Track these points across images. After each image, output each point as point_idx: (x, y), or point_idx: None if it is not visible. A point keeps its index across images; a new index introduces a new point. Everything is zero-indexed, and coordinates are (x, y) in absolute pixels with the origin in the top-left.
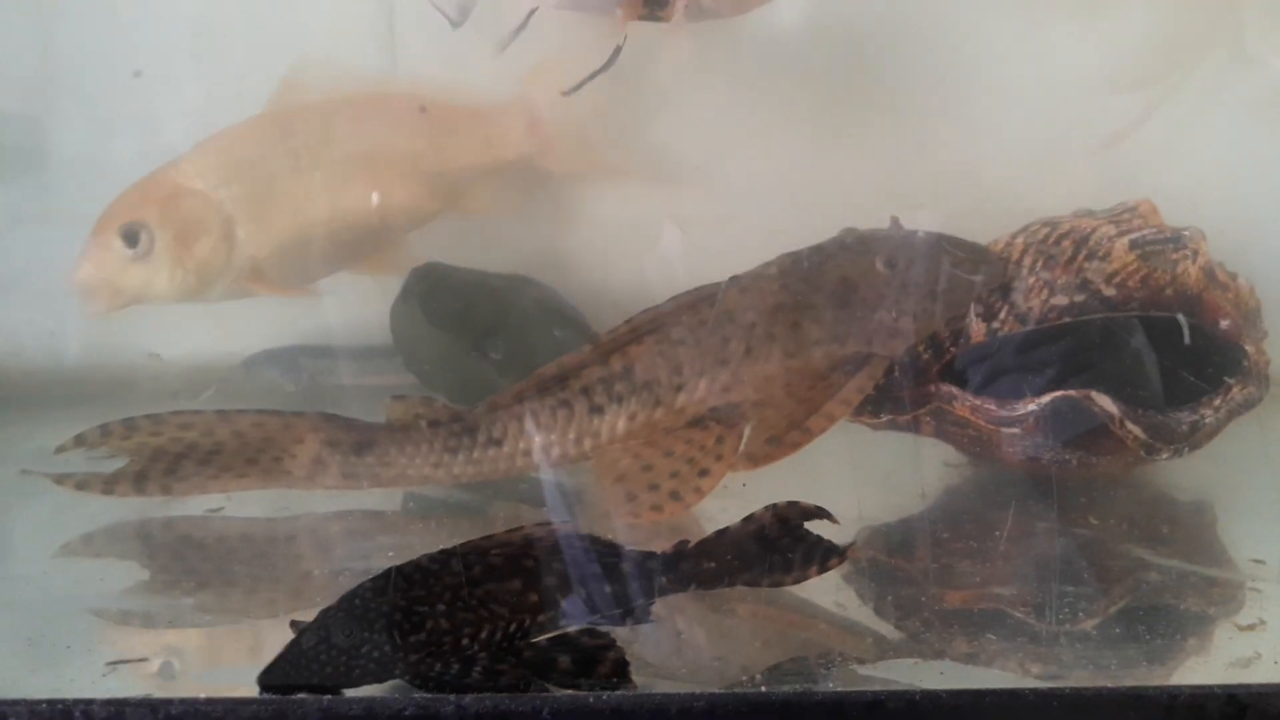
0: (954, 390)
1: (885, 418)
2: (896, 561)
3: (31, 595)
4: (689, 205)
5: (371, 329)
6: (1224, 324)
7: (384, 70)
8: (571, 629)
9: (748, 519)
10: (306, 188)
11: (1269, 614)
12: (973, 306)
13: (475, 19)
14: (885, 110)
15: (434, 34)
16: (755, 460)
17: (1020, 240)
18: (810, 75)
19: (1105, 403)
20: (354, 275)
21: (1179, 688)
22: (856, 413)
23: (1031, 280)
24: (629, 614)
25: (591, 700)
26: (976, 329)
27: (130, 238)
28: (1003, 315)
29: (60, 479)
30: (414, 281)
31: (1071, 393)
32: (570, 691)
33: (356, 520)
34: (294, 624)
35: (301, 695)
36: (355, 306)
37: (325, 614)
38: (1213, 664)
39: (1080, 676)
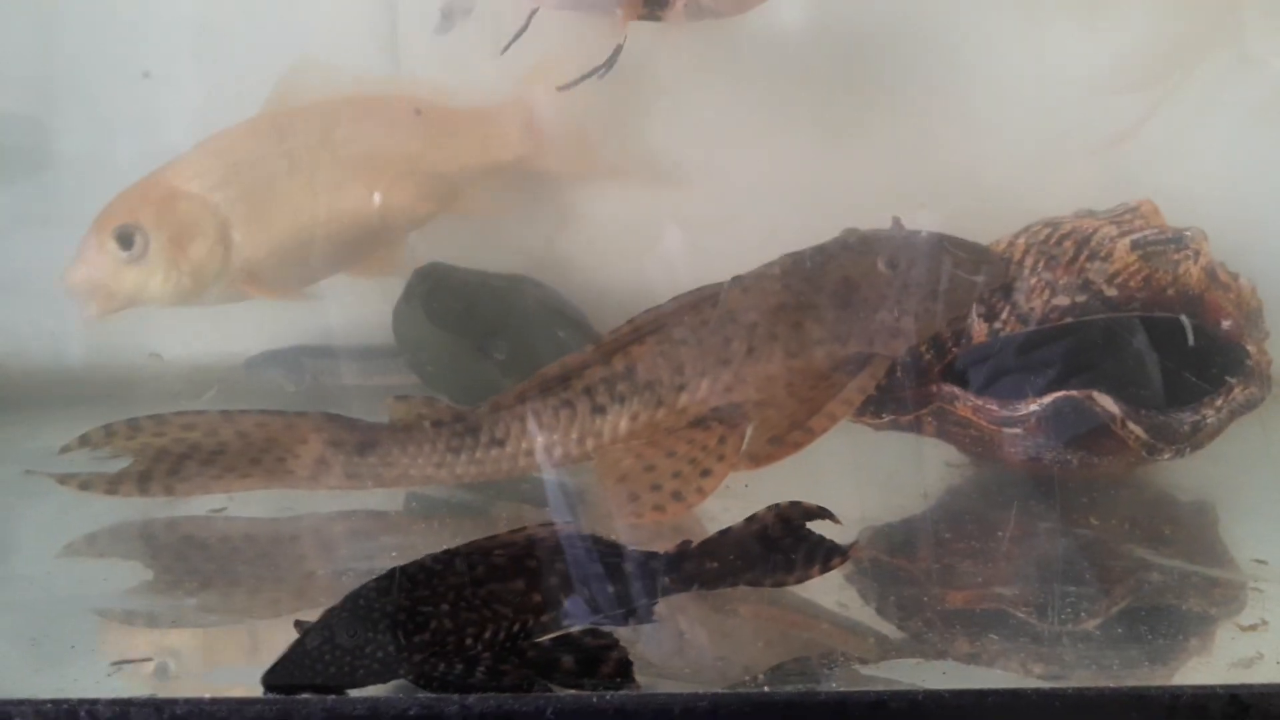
0: (956, 390)
1: (887, 418)
2: (899, 561)
3: (35, 595)
4: (690, 205)
5: (374, 329)
6: (1226, 324)
7: (387, 71)
8: (574, 629)
9: (750, 519)
10: (302, 190)
11: (1271, 614)
12: (974, 307)
13: (476, 20)
14: (886, 110)
15: (436, 35)
16: (757, 460)
17: (1022, 241)
18: (811, 75)
19: (1107, 403)
20: (353, 276)
21: (1181, 688)
22: (859, 413)
23: (1033, 281)
24: (632, 614)
25: (595, 700)
26: (978, 329)
27: (125, 240)
28: (1004, 316)
29: (64, 479)
30: (416, 282)
31: (1073, 393)
32: (574, 691)
33: (359, 520)
34: (298, 624)
35: (306, 695)
36: (358, 307)
37: (329, 614)
38: (1215, 664)
39: (1082, 677)
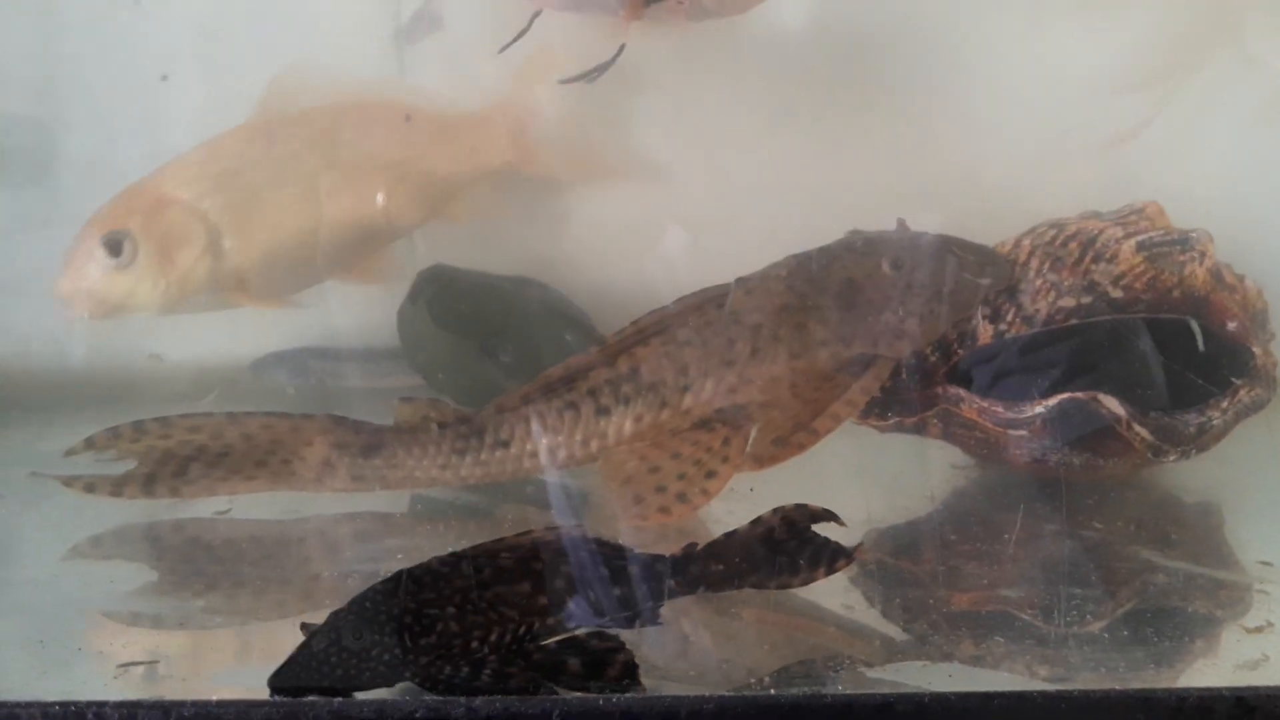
0: (961, 392)
1: (892, 420)
2: (904, 564)
3: (41, 598)
4: (690, 206)
5: (379, 331)
6: (1231, 326)
7: (391, 72)
8: (580, 632)
9: (755, 521)
10: (292, 197)
11: (1277, 616)
12: (979, 308)
13: (476, 20)
14: (886, 110)
15: (438, 37)
16: (761, 461)
17: (1027, 242)
18: (811, 75)
19: (1112, 405)
20: (342, 283)
21: (1187, 690)
22: (864, 415)
23: (1038, 282)
24: (637, 617)
25: (601, 703)
26: (983, 331)
27: (114, 247)
28: (1010, 317)
29: (69, 481)
30: (421, 284)
31: (1079, 395)
32: (579, 694)
33: (365, 522)
34: (304, 626)
35: (312, 698)
36: (362, 309)
37: (336, 616)
38: (1220, 666)
39: (1088, 679)
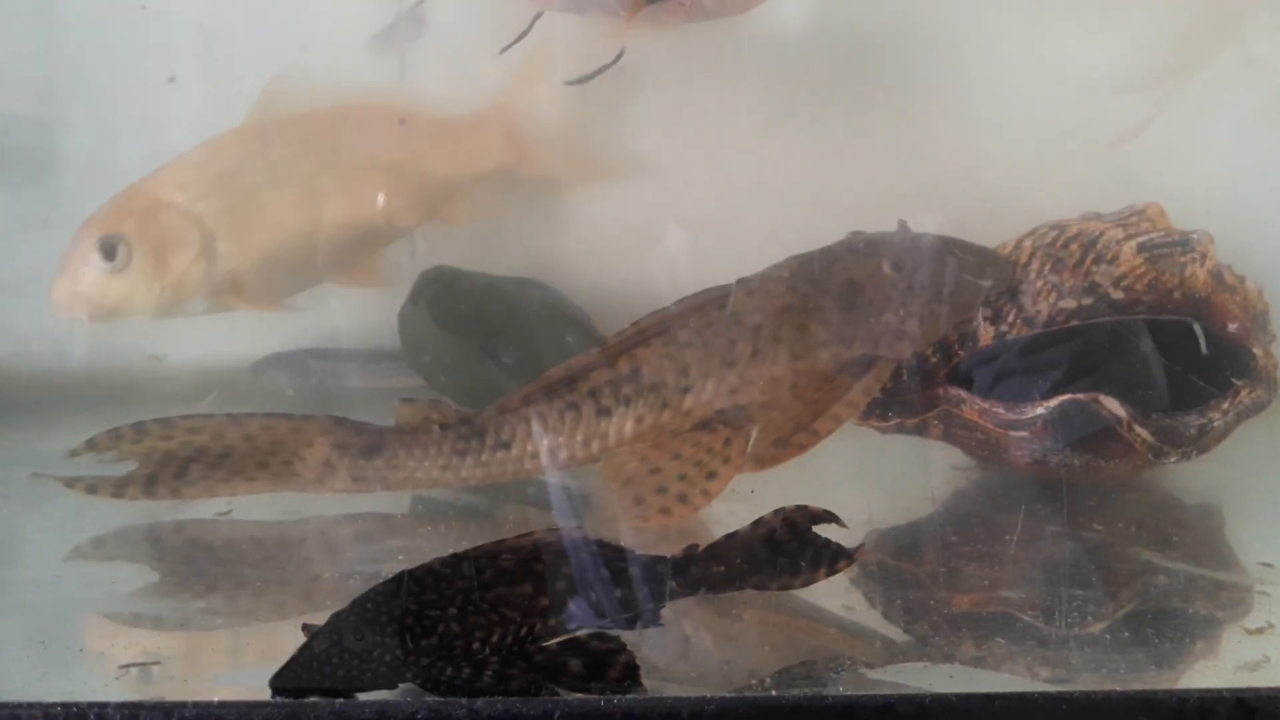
0: (962, 393)
1: (893, 421)
2: (905, 565)
3: (43, 598)
4: (691, 207)
5: (380, 332)
6: (1232, 327)
7: (392, 74)
8: (581, 633)
9: (756, 523)
10: (287, 201)
11: (1277, 617)
12: (981, 310)
13: (476, 21)
14: (886, 110)
15: (437, 37)
16: (762, 462)
17: (1028, 243)
18: (811, 75)
19: (1113, 406)
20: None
21: (1188, 691)
22: (865, 416)
23: (1039, 283)
24: (638, 618)
25: (602, 704)
26: (984, 332)
27: (108, 251)
28: (1011, 318)
29: (70, 482)
30: (422, 285)
31: (1079, 396)
32: (581, 695)
33: (366, 523)
34: (305, 627)
35: (313, 699)
36: (363, 310)
37: (337, 618)
38: (1221, 668)
39: (1089, 680)
